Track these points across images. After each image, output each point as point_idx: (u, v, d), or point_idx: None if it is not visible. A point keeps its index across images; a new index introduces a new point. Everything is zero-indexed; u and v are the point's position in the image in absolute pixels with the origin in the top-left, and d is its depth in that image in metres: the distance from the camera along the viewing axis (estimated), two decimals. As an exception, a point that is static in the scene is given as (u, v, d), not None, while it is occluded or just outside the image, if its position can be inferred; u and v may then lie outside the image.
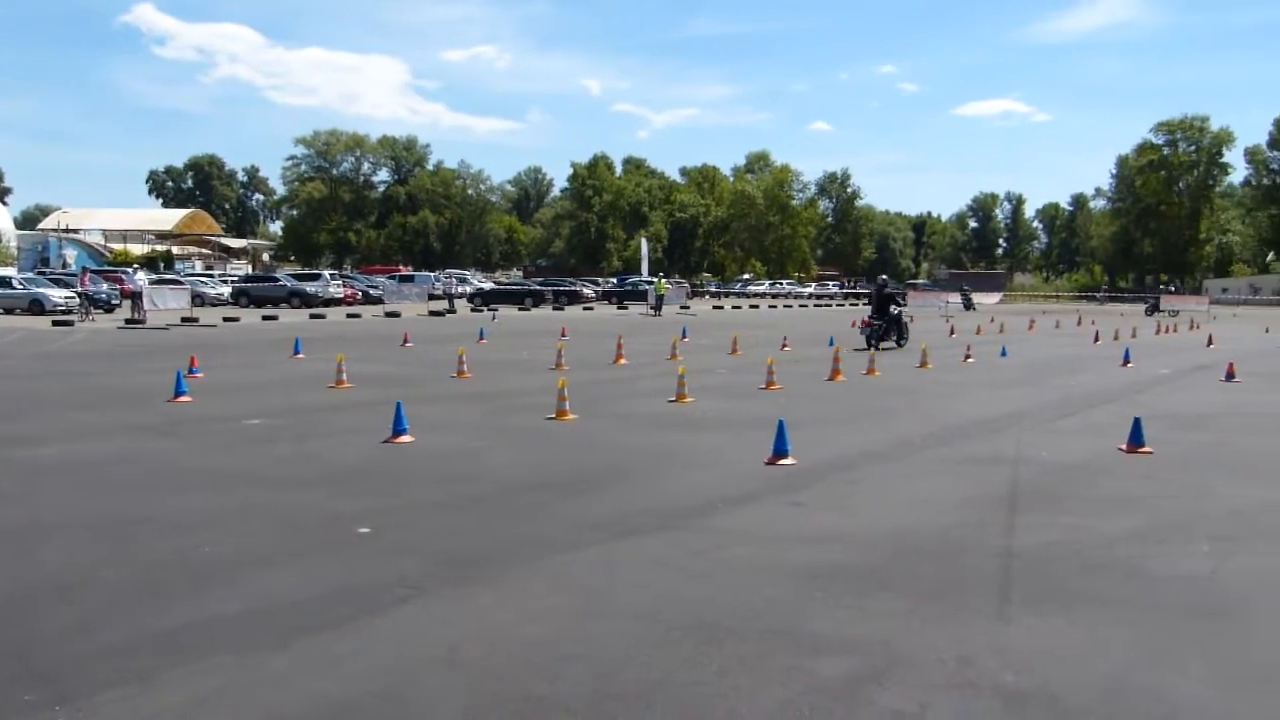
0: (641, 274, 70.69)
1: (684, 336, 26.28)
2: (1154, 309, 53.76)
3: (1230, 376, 17.36)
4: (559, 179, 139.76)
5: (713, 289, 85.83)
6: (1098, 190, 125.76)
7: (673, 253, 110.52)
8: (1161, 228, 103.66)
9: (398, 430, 9.97)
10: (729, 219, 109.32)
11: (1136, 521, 7.03)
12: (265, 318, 36.17)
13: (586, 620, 4.92)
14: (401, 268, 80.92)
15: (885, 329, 24.26)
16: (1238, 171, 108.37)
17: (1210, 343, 27.94)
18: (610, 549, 6.17)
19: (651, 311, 46.44)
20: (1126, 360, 20.39)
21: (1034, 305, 79.72)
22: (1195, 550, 6.29)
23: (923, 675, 4.27)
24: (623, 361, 19.13)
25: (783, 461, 8.85)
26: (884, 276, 28.49)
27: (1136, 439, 9.86)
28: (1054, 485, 8.27)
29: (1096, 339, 28.89)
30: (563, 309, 49.24)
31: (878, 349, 22.20)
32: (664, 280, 53.08)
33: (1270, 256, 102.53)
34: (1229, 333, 35.93)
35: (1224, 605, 5.24)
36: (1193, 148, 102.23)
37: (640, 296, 54.72)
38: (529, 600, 5.21)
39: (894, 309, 25.05)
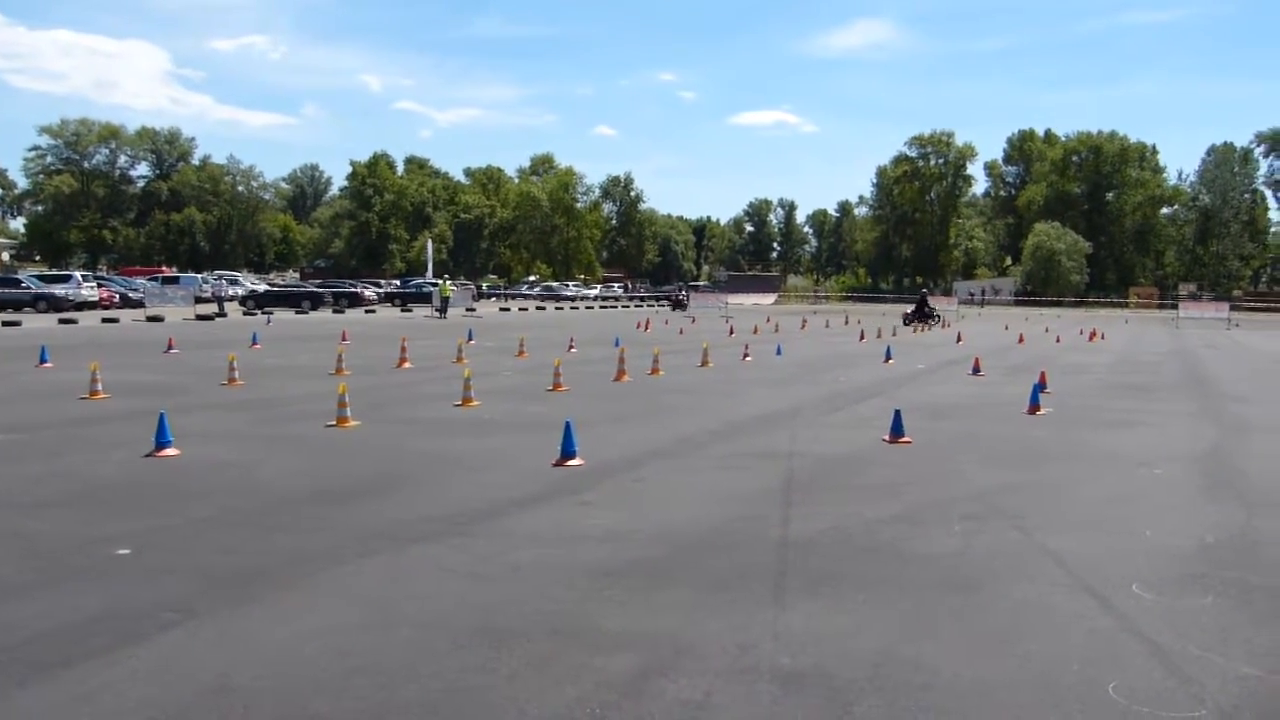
0: (426, 276, 69.33)
1: (470, 339, 25.99)
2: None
3: (977, 370, 19.02)
4: (338, 177, 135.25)
5: (528, 292, 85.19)
6: (861, 198, 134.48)
7: (458, 254, 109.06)
8: (916, 234, 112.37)
9: (161, 443, 9.28)
10: (514, 221, 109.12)
11: (898, 507, 7.56)
12: (6, 324, 32.74)
13: (370, 633, 4.76)
14: (165, 269, 75.55)
15: (921, 319, 41.03)
16: (979, 183, 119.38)
17: (959, 340, 30.49)
18: (394, 558, 6.00)
19: (436, 314, 45.62)
20: (888, 357, 21.90)
21: (806, 306, 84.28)
22: (948, 530, 6.84)
23: (707, 664, 4.41)
24: (407, 365, 18.67)
25: (570, 462, 8.91)
26: (924, 290, 51.65)
27: (897, 430, 10.61)
28: (825, 476, 8.76)
29: (862, 337, 30.87)
30: (343, 312, 47.47)
31: (913, 328, 38.82)
32: (449, 282, 52.20)
33: (1007, 261, 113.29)
34: (975, 330, 39.34)
35: (972, 579, 5.73)
36: (941, 160, 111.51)
37: (425, 299, 53.60)
38: (309, 616, 4.98)
39: (927, 308, 42.17)
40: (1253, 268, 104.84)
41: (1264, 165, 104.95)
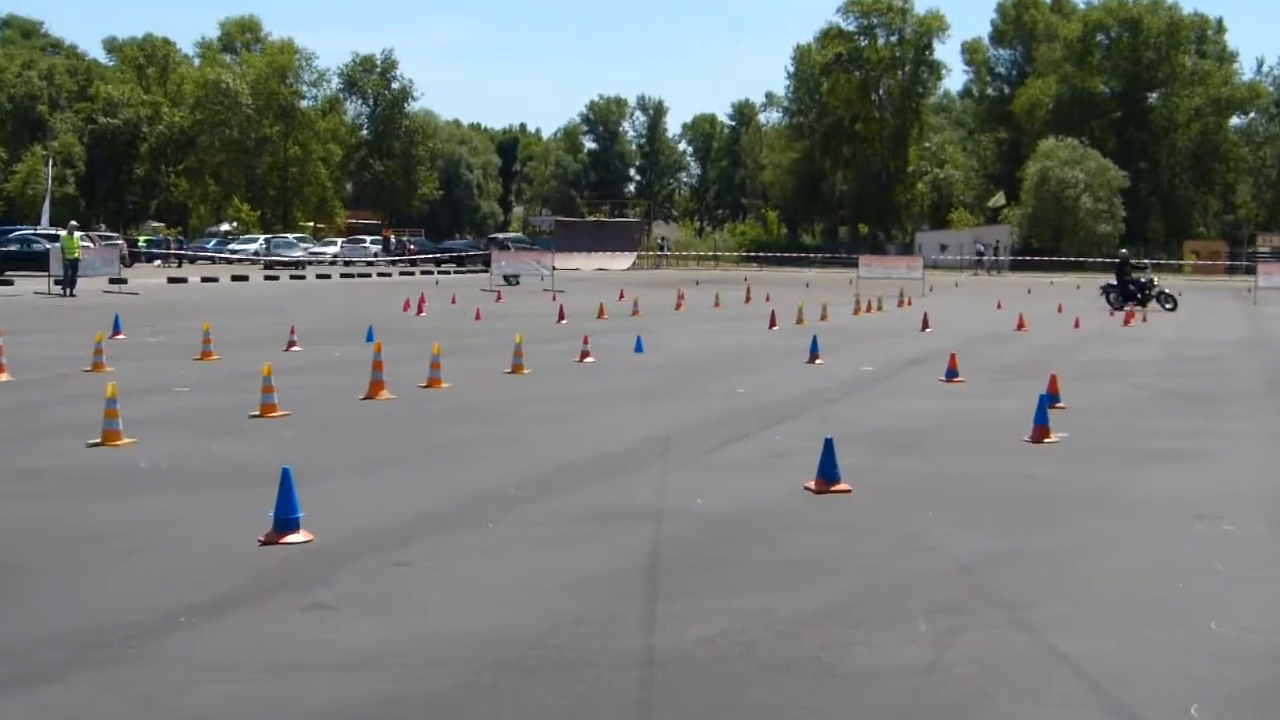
0: (39, 223, 66.93)
1: (117, 331, 25.26)
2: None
3: (952, 374, 19.67)
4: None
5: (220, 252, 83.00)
6: (770, 98, 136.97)
7: (94, 186, 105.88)
8: (858, 156, 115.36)
9: None
10: (195, 130, 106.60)
11: (830, 594, 7.74)
12: None
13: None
14: None
15: (1133, 297, 41.26)
16: (954, 76, 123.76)
17: (926, 326, 31.45)
18: (-13, 709, 5.79)
19: (59, 289, 44.20)
20: (814, 354, 22.37)
21: (683, 271, 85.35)
22: (910, 630, 7.04)
23: None
24: (3, 378, 18.06)
25: (290, 537, 8.78)
26: (1124, 250, 52.28)
27: (828, 472, 10.85)
28: (714, 548, 8.89)
29: (773, 323, 31.45)
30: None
31: (1124, 314, 38.16)
32: (78, 235, 50.52)
33: (998, 200, 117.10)
34: (950, 310, 40.70)
35: (949, 707, 5.92)
36: (894, 38, 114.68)
37: (36, 261, 51.77)
38: None
39: (1135, 279, 42.23)
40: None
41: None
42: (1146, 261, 51.17)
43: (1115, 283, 42.59)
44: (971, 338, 28.73)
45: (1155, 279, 43.83)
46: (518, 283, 57.38)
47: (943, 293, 55.37)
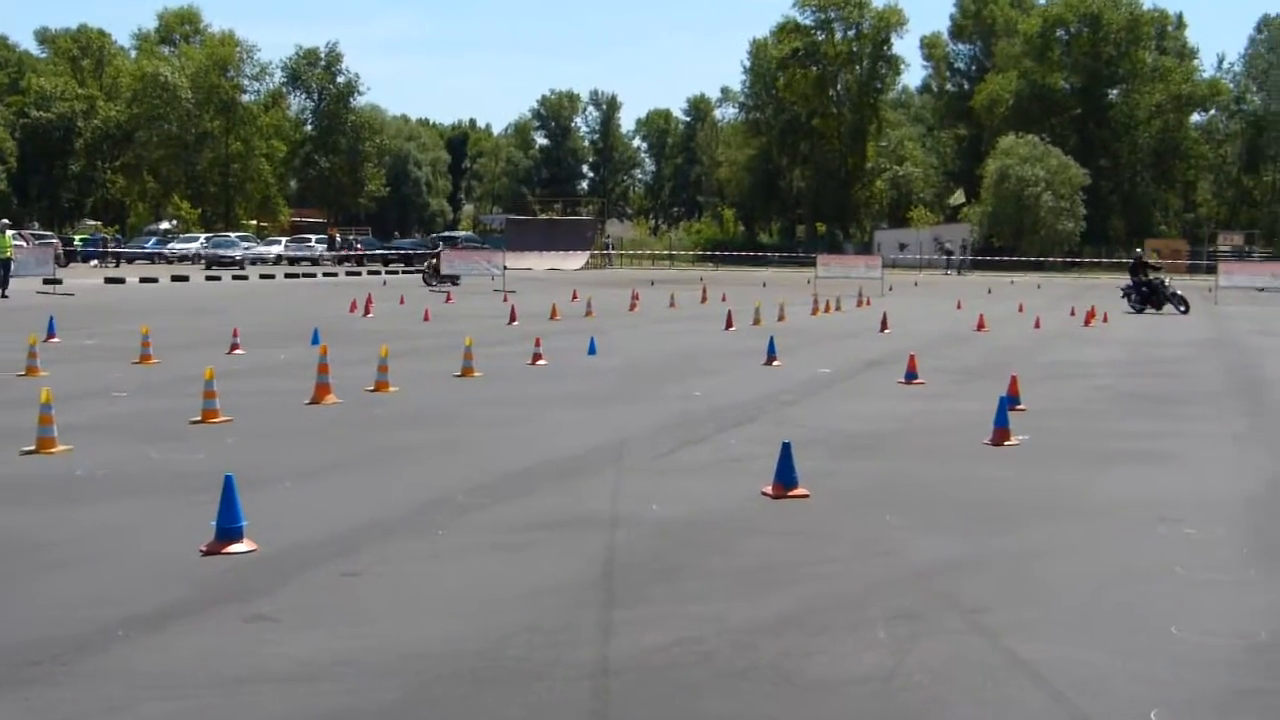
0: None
1: (51, 334, 25.06)
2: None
3: (911, 375, 19.77)
4: None
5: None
6: (726, 93, 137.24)
7: (27, 182, 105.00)
8: (816, 153, 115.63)
9: None
10: (132, 124, 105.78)
11: (788, 601, 7.78)
12: None
13: None
14: None
15: (1148, 299, 41.75)
16: (913, 71, 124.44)
17: (885, 326, 31.59)
18: (-83, 726, 5.73)
19: (-9, 289, 43.77)
20: (772, 356, 22.43)
21: (638, 270, 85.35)
22: (869, 637, 7.09)
23: None
24: (-63, 382, 17.90)
25: (233, 547, 8.73)
26: (1139, 250, 52.75)
27: (786, 476, 10.88)
28: (670, 555, 8.92)
29: (729, 324, 31.50)
30: None
31: (1142, 311, 41.12)
32: (10, 233, 50.05)
33: (957, 196, 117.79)
34: (909, 310, 40.85)
35: (909, 714, 5.97)
36: (852, 33, 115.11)
37: (-33, 262, 51.33)
38: None
39: (1149, 278, 42.40)
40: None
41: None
42: (1161, 263, 51.16)
43: (1131, 283, 42.49)
44: (931, 338, 28.87)
45: (1167, 280, 43.78)
46: (458, 283, 57.10)
47: (902, 292, 55.62)
